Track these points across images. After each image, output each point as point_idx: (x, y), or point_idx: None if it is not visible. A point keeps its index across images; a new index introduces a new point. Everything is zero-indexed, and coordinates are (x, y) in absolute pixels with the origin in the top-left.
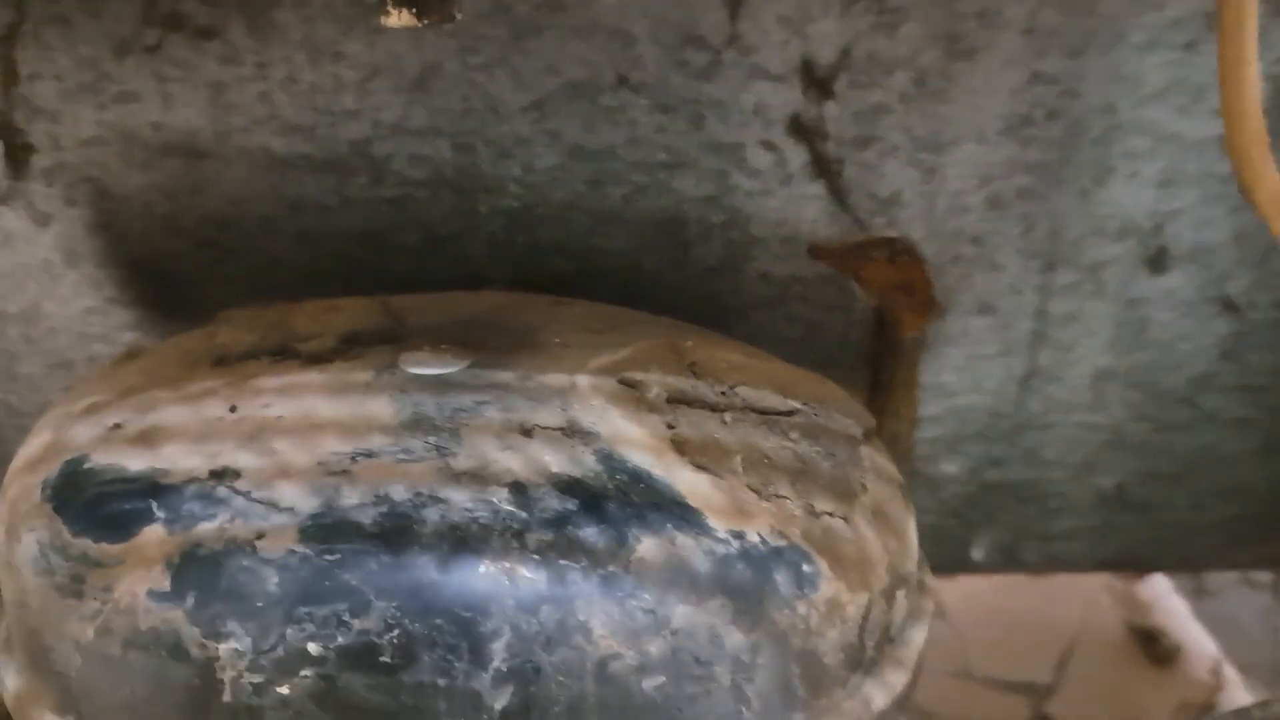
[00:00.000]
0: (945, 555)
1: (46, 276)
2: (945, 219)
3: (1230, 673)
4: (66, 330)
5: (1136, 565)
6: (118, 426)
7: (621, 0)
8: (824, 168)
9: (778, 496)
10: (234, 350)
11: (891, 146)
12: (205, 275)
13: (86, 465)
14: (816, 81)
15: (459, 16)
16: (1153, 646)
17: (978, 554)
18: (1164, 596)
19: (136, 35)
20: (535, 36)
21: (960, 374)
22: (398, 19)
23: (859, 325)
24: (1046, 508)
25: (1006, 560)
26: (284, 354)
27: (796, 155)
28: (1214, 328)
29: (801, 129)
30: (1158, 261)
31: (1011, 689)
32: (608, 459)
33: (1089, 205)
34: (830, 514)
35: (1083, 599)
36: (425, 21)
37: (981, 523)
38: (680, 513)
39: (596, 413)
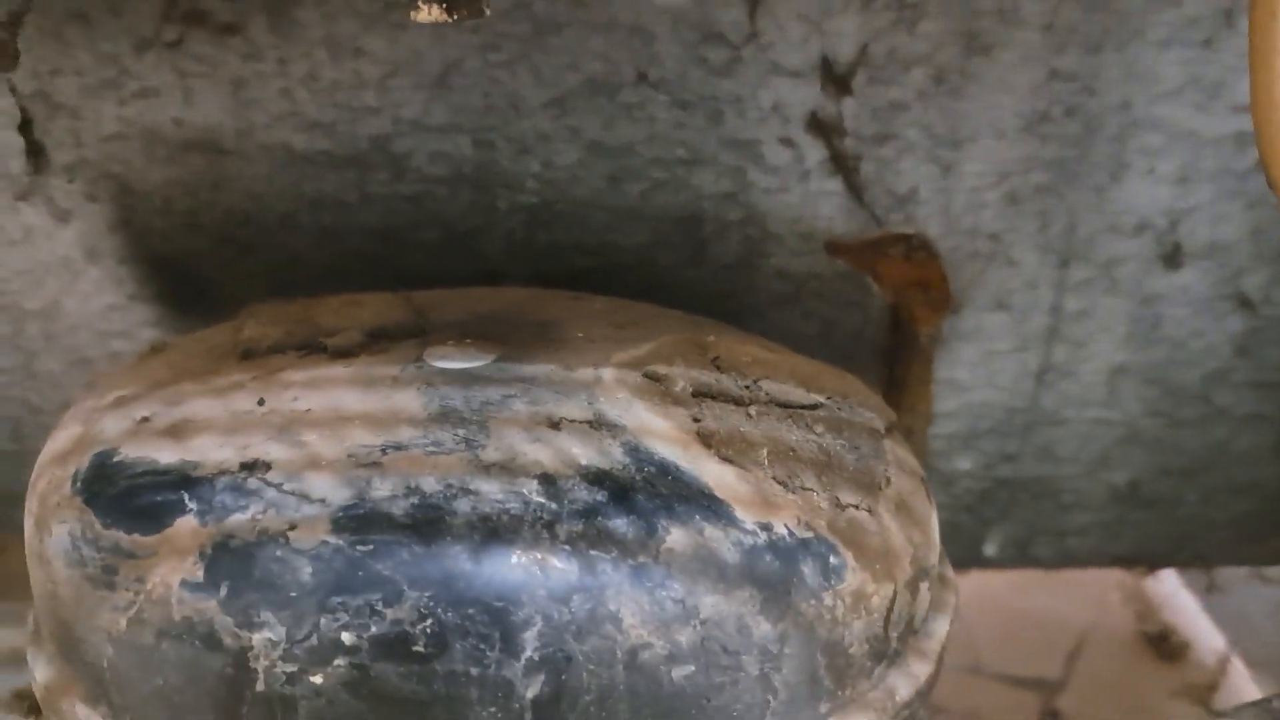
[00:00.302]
0: (958, 550)
1: (67, 273)
2: (962, 215)
3: (1237, 666)
4: (87, 327)
5: (1149, 561)
6: (146, 420)
7: None
8: (842, 164)
9: (804, 489)
10: (260, 344)
11: (909, 143)
12: (225, 271)
13: (117, 458)
14: (835, 78)
15: (488, 12)
16: (1162, 643)
17: (991, 549)
18: (1174, 593)
19: (158, 31)
20: (556, 33)
21: (975, 370)
22: (428, 14)
23: (875, 321)
24: (1060, 503)
25: (1019, 556)
26: (310, 348)
27: (814, 152)
28: (1228, 324)
29: (820, 126)
30: (1173, 258)
31: (1022, 684)
32: (635, 451)
33: (1105, 202)
34: (855, 506)
35: (1093, 595)
36: (455, 16)
37: (995, 518)
38: (708, 504)
39: (622, 405)
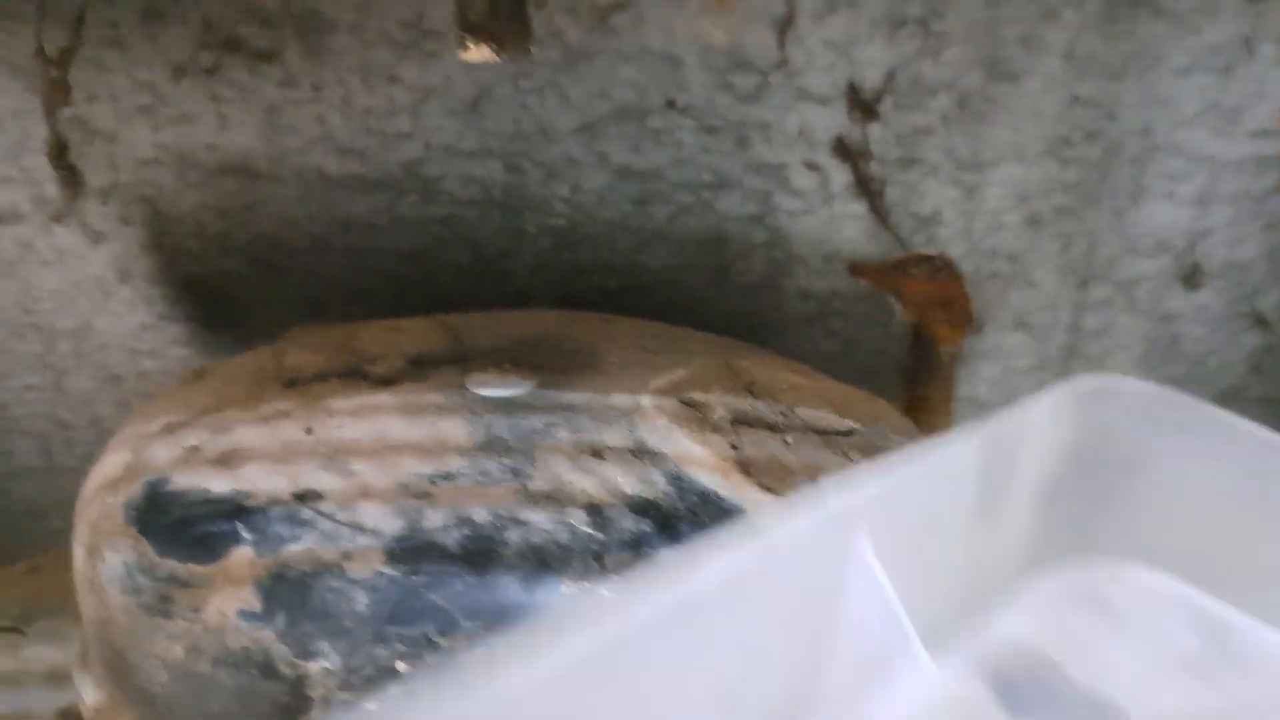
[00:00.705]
0: None
1: (99, 293)
2: (984, 237)
3: None
4: (118, 346)
5: None
6: (196, 448)
7: (670, 26)
8: (866, 188)
9: None
10: (304, 372)
11: (933, 167)
12: (256, 293)
13: (169, 486)
14: (861, 104)
15: (534, 50)
16: None
17: None
18: None
19: (193, 58)
20: (586, 61)
21: (995, 388)
22: (477, 54)
23: (897, 340)
24: None
25: None
26: (353, 375)
27: (840, 176)
28: (1244, 342)
29: (845, 150)
30: (1192, 278)
31: None
32: (677, 480)
33: (1125, 224)
34: None
35: None
36: (504, 56)
37: None
38: None
39: (662, 433)
